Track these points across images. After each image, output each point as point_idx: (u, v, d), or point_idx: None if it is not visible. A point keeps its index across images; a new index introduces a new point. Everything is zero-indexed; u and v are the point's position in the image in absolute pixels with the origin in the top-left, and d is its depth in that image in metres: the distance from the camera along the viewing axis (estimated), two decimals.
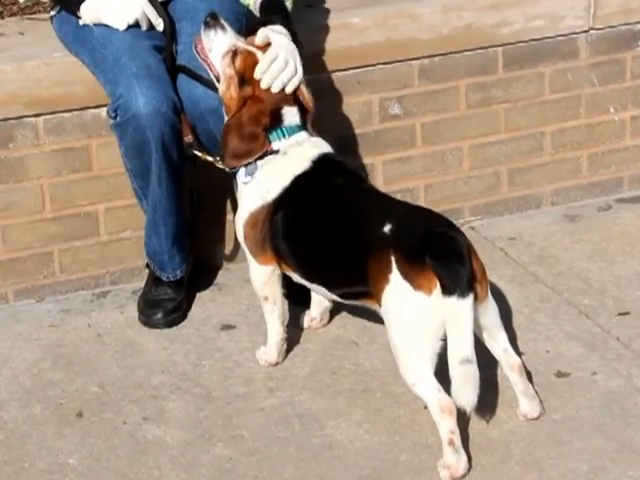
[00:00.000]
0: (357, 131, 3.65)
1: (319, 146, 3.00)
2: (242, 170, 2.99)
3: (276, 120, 2.93)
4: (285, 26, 3.02)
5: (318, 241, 2.87)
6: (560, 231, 3.77)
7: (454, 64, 3.70)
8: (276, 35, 2.95)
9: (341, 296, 2.89)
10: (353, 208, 2.84)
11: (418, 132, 3.73)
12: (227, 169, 3.04)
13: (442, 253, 2.60)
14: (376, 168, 3.69)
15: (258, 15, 3.17)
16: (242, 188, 3.01)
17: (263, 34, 2.93)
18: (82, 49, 3.26)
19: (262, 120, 2.91)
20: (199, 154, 3.16)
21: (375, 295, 2.71)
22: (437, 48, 3.66)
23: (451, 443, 2.63)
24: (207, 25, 2.95)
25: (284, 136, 2.95)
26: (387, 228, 2.70)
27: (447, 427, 2.63)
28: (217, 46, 2.94)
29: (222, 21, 2.95)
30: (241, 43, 2.94)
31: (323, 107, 3.56)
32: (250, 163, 2.97)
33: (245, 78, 2.91)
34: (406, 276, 2.62)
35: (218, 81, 2.97)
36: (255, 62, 2.92)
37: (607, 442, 2.75)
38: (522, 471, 2.67)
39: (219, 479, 2.70)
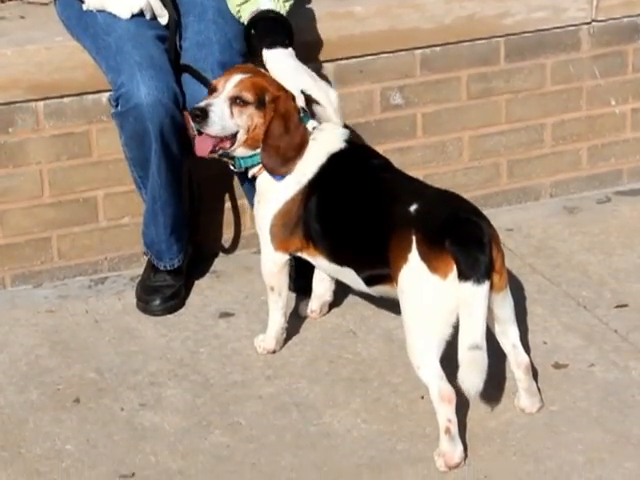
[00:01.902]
0: (358, 120, 3.65)
1: (337, 127, 3.03)
2: (264, 174, 2.98)
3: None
4: (281, 42, 3.00)
5: (350, 220, 2.86)
6: (559, 223, 3.77)
7: (456, 54, 3.70)
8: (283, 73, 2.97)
9: (366, 280, 2.87)
10: (386, 187, 2.84)
11: (419, 122, 3.73)
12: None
13: (462, 238, 2.60)
14: None
15: (244, 22, 3.11)
16: (272, 182, 2.98)
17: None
18: (84, 34, 3.25)
19: (296, 111, 2.93)
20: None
21: (393, 274, 2.70)
22: (439, 38, 3.66)
23: (447, 431, 2.64)
24: (198, 117, 2.85)
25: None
26: (413, 208, 2.70)
27: (445, 415, 2.63)
28: (222, 118, 2.87)
29: (202, 104, 2.87)
30: (225, 93, 2.89)
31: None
32: None
33: (262, 100, 2.90)
34: (424, 257, 2.62)
35: (234, 137, 2.93)
36: (248, 79, 2.91)
37: (604, 434, 2.75)
38: (519, 461, 2.68)
39: (216, 466, 2.70)
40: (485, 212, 3.76)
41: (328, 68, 3.56)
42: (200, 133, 2.92)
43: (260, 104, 2.90)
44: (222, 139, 2.92)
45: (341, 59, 3.59)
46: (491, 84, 3.77)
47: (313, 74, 3.04)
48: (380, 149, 3.68)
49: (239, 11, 3.13)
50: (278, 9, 3.07)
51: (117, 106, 3.14)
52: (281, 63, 3.01)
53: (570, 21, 3.79)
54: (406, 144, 3.74)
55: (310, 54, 3.51)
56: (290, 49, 3.03)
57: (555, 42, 3.80)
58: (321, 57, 3.54)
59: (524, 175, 3.90)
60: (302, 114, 2.98)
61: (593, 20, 3.82)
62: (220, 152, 2.95)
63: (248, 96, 2.89)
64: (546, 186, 3.94)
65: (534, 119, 3.85)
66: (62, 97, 3.33)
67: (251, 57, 3.13)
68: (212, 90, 2.93)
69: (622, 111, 3.94)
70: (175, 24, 3.21)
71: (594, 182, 3.97)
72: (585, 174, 3.96)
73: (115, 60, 3.13)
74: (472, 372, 2.56)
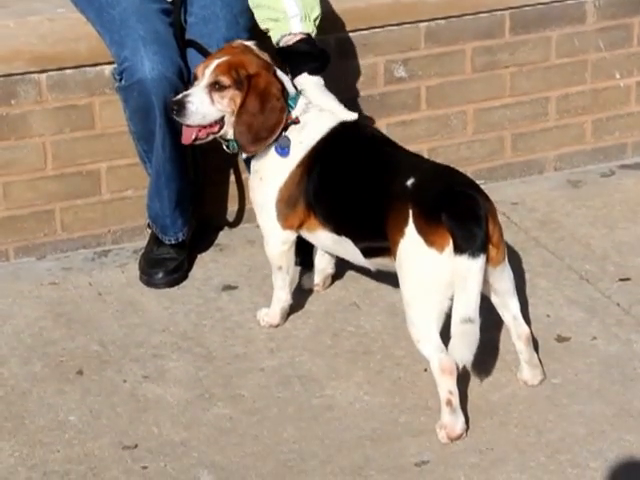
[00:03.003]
0: (362, 93, 3.64)
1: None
2: (272, 151, 2.95)
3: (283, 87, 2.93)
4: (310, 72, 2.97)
5: (350, 192, 2.85)
6: (562, 196, 3.77)
7: (461, 27, 3.68)
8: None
9: (364, 252, 2.87)
10: (385, 160, 2.83)
11: (423, 95, 3.72)
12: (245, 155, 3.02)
13: (458, 212, 2.60)
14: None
15: (273, 40, 3.05)
16: (272, 160, 2.96)
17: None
18: (89, 7, 3.23)
19: (276, 92, 2.88)
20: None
21: (391, 248, 2.71)
22: (444, 11, 3.64)
23: (449, 403, 2.64)
24: (179, 111, 2.86)
25: (294, 105, 2.94)
26: (410, 182, 2.70)
27: (446, 387, 2.64)
28: (201, 107, 2.87)
29: (179, 97, 2.88)
30: (204, 81, 2.88)
31: (328, 68, 3.54)
32: (276, 140, 2.93)
33: (239, 80, 2.87)
34: (420, 231, 2.62)
35: (223, 121, 2.92)
36: (224, 62, 2.88)
37: (606, 406, 2.76)
38: (521, 434, 2.68)
39: (219, 438, 2.71)
40: (489, 185, 3.81)
41: (332, 40, 3.55)
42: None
43: (239, 84, 2.87)
44: (209, 125, 2.91)
45: (345, 32, 3.58)
46: (496, 57, 3.76)
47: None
48: (384, 122, 3.70)
49: (267, 29, 3.05)
50: (308, 29, 3.00)
51: (121, 80, 3.13)
52: (309, 84, 2.98)
53: None
54: (410, 117, 3.73)
55: None
56: (318, 78, 2.99)
57: (560, 15, 3.78)
58: (325, 29, 3.49)
59: (528, 148, 3.89)
60: (293, 94, 2.94)
61: None
62: (210, 137, 2.95)
63: (224, 79, 2.87)
64: (550, 159, 3.93)
65: (539, 92, 3.84)
66: (64, 69, 3.32)
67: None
68: (195, 78, 2.92)
69: (627, 84, 3.93)
70: None
71: (598, 155, 3.96)
72: (589, 147, 3.95)
73: (119, 34, 3.12)
74: (462, 345, 2.57)
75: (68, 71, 3.33)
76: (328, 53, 3.04)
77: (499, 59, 3.77)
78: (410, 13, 3.62)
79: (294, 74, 3.00)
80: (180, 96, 2.90)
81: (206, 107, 2.88)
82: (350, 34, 3.59)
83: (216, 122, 2.92)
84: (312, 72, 3.00)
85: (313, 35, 3.03)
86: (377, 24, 3.61)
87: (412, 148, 3.69)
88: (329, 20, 3.52)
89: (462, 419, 2.66)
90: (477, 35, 3.71)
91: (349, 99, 3.62)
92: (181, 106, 2.87)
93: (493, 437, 2.67)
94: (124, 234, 3.54)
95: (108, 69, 3.29)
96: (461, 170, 3.80)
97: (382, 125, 3.68)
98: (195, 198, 3.44)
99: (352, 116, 2.98)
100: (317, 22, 3.06)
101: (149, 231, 3.45)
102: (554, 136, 3.90)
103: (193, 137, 2.93)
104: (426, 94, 3.72)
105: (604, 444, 2.63)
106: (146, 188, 3.37)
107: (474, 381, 2.83)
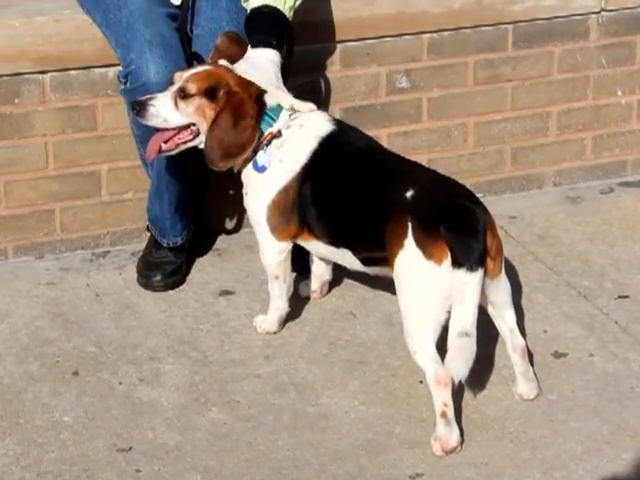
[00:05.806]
0: (363, 103, 3.64)
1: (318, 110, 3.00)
2: (249, 167, 2.95)
3: (261, 106, 2.90)
4: (266, 42, 2.94)
5: (346, 204, 2.85)
6: (561, 212, 3.78)
7: (464, 40, 3.69)
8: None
9: (363, 261, 2.88)
10: (382, 171, 2.83)
11: (424, 106, 3.72)
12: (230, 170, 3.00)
13: (457, 225, 2.60)
14: (381, 141, 3.66)
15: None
16: (259, 175, 2.96)
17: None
18: (95, 8, 3.24)
19: (253, 112, 2.86)
20: None
21: (389, 259, 2.71)
22: (447, 23, 3.65)
23: (443, 415, 2.64)
24: (140, 112, 2.88)
25: (275, 118, 2.92)
26: (409, 194, 2.70)
27: (441, 399, 2.64)
28: (163, 111, 2.87)
29: (142, 98, 2.90)
30: (175, 87, 2.88)
31: (330, 77, 3.57)
32: (255, 154, 2.93)
33: (212, 90, 2.85)
34: (419, 244, 2.63)
35: (198, 132, 2.92)
36: (200, 72, 2.88)
37: (602, 424, 2.76)
38: (516, 449, 2.68)
39: (213, 443, 2.71)
40: (488, 199, 3.81)
41: (335, 49, 3.56)
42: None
43: (209, 96, 2.86)
44: (178, 133, 2.91)
45: (348, 41, 3.58)
46: (498, 70, 3.77)
47: (279, 76, 2.95)
48: (385, 132, 3.71)
49: (246, 2, 3.04)
50: (277, 4, 2.97)
51: (126, 83, 3.14)
52: (247, 60, 2.94)
53: (579, 10, 3.78)
54: (411, 128, 3.73)
55: (317, 35, 3.51)
56: (270, 51, 2.94)
57: (563, 30, 3.79)
58: (328, 38, 3.54)
59: (528, 163, 3.90)
60: (274, 106, 2.91)
61: (602, 9, 3.81)
62: (181, 148, 2.95)
63: (191, 87, 2.87)
64: (550, 175, 3.94)
65: (540, 107, 3.85)
66: (69, 70, 3.33)
67: None
68: (170, 84, 2.93)
69: (628, 102, 3.94)
70: (187, 5, 3.20)
71: (598, 172, 3.97)
72: (589, 164, 3.96)
73: (125, 37, 3.12)
74: (459, 359, 2.57)
75: (72, 72, 3.33)
76: (292, 31, 2.99)
77: (501, 73, 3.77)
78: (414, 24, 3.63)
79: (252, 44, 2.96)
80: (144, 97, 2.91)
81: (168, 111, 2.88)
82: (353, 43, 3.59)
83: (187, 131, 2.91)
84: (265, 43, 2.94)
85: (287, 16, 2.98)
86: (381, 34, 3.61)
87: (412, 159, 3.72)
88: (333, 29, 3.54)
89: (457, 432, 2.66)
90: (480, 48, 3.72)
91: (351, 108, 3.63)
92: (142, 107, 2.88)
93: (488, 451, 2.67)
94: (123, 236, 3.54)
95: (112, 71, 3.30)
96: (460, 182, 3.84)
97: (383, 135, 3.68)
98: (195, 202, 3.44)
99: (308, 107, 2.94)
100: (294, 5, 3.00)
101: (148, 234, 3.45)
102: (554, 151, 3.91)
103: (156, 148, 2.92)
104: (427, 105, 3.73)
105: (600, 462, 2.63)
106: (146, 191, 3.37)
107: (469, 394, 2.83)
